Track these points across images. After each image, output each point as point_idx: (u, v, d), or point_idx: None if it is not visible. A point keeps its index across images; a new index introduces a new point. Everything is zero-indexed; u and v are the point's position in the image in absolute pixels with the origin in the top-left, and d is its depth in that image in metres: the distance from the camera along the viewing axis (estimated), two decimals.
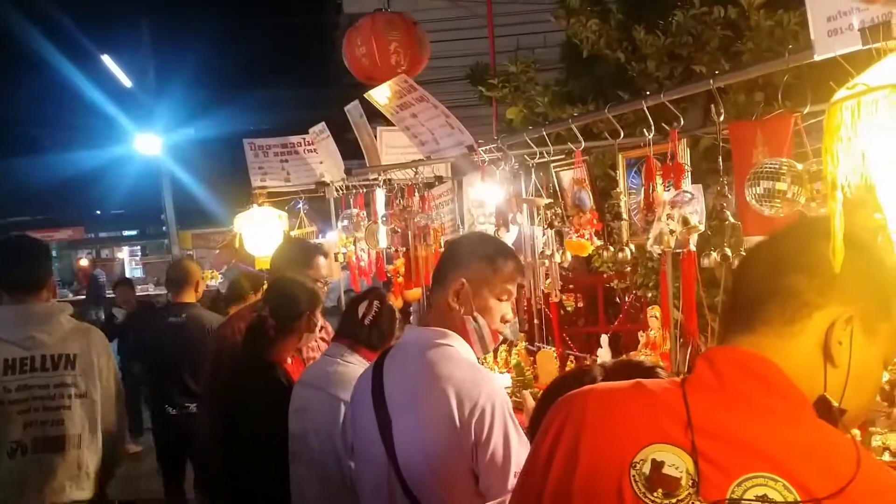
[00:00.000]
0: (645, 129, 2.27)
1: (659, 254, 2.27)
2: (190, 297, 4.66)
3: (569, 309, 5.86)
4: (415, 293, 4.51)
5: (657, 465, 1.00)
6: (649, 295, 4.72)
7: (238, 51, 20.53)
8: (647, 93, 2.54)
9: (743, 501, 0.94)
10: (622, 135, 2.52)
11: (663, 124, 2.37)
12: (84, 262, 21.14)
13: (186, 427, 4.30)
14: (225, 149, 19.43)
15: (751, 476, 0.96)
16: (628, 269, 5.06)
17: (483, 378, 1.91)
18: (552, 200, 2.91)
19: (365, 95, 3.58)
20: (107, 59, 19.01)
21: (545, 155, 2.93)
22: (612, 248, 2.61)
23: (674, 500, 0.98)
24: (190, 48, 19.40)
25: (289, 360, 3.13)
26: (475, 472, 1.86)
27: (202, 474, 4.52)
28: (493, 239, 2.46)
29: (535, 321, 3.95)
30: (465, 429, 1.83)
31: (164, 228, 20.26)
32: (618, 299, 5.72)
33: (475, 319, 1.99)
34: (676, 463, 0.99)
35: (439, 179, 4.33)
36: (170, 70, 19.29)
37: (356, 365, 2.68)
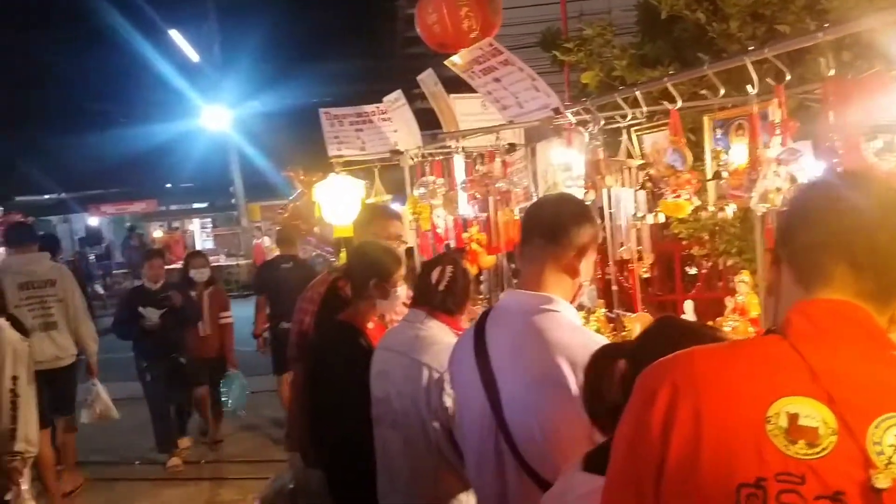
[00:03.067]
0: (749, 87, 2.21)
1: (763, 213, 2.22)
2: (294, 250, 7.00)
3: (644, 276, 5.78)
4: (489, 260, 4.53)
5: (793, 418, 1.01)
6: (729, 263, 4.63)
7: (300, 24, 20.66)
8: (732, 57, 2.46)
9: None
10: (721, 92, 2.46)
11: (748, 87, 2.31)
12: (158, 234, 21.83)
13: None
14: (290, 121, 19.75)
15: (887, 416, 0.98)
16: (706, 236, 4.99)
17: (595, 343, 1.89)
18: (644, 161, 2.87)
19: (446, 62, 3.57)
20: (174, 34, 19.42)
21: (636, 117, 2.89)
22: (711, 208, 2.57)
23: (818, 450, 0.98)
24: (253, 22, 19.64)
25: (370, 325, 3.16)
26: (594, 441, 1.85)
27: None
28: (581, 201, 2.45)
29: (614, 287, 3.89)
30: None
31: (232, 201, 20.74)
32: (694, 267, 5.62)
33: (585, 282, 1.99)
34: (811, 413, 1.00)
35: (512, 146, 4.31)
36: (235, 44, 19.61)
37: (436, 330, 2.71)
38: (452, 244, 4.65)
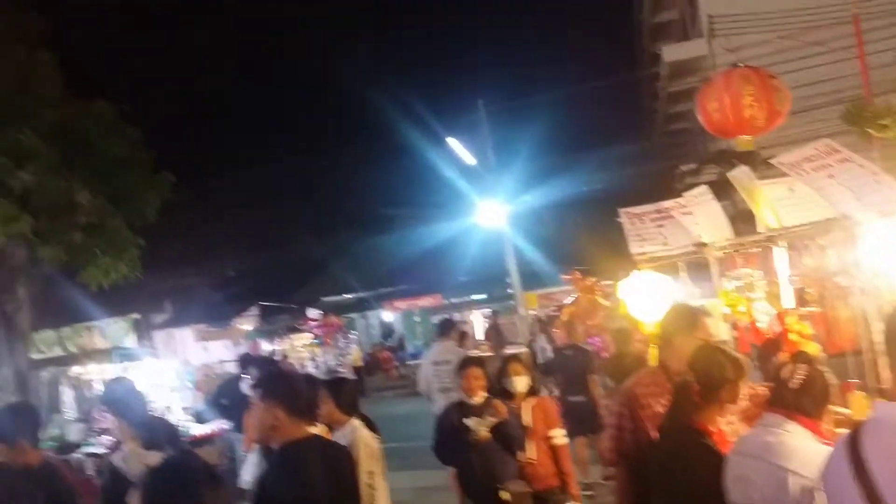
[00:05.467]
0: None
1: None
2: (576, 339, 8.58)
3: None
4: (812, 351, 4.27)
5: None
6: None
7: (564, 124, 21.60)
8: None
9: None
10: None
11: None
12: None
13: (579, 410, 7.97)
14: (562, 212, 20.39)
15: None
16: None
17: None
18: None
19: (773, 161, 3.56)
20: (452, 142, 21.15)
21: None
22: None
23: None
24: (521, 126, 20.90)
25: (713, 429, 3.17)
26: None
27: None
28: None
29: None
30: None
31: (509, 291, 21.59)
32: None
33: None
34: None
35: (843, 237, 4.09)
36: (506, 146, 20.89)
37: (797, 434, 2.64)
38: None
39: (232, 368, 21.39)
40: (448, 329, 9.25)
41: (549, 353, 16.06)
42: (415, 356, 22.24)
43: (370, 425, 4.85)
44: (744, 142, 4.56)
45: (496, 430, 5.02)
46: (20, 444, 3.53)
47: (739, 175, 4.09)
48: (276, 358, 17.78)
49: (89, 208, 10.78)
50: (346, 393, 4.72)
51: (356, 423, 4.67)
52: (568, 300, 12.14)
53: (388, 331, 27.56)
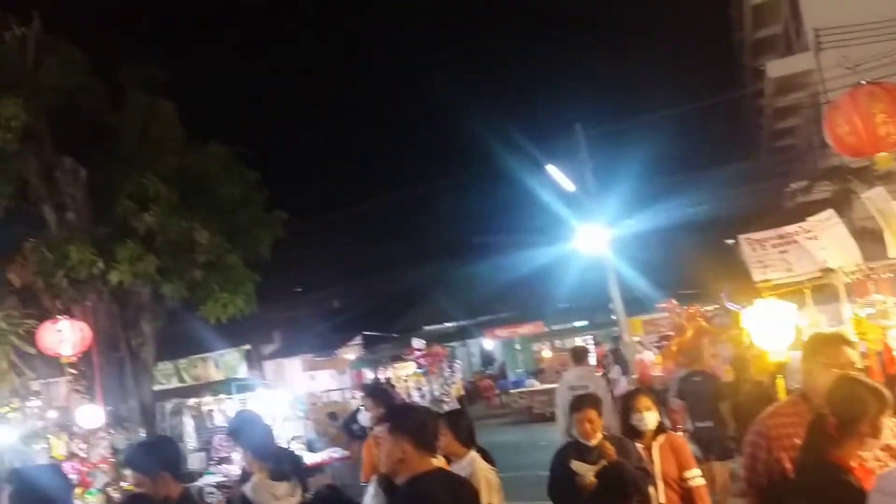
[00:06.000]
0: None
1: None
2: (702, 366, 8.46)
3: None
4: None
5: None
6: None
7: (664, 142, 21.18)
8: None
9: None
10: None
11: None
12: (546, 354, 23.08)
13: (708, 436, 7.89)
14: (666, 235, 19.94)
15: None
16: None
17: None
18: None
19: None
20: (552, 169, 21.10)
21: None
22: None
23: None
24: (620, 151, 20.66)
25: (853, 464, 3.02)
26: None
27: None
28: None
29: None
30: None
31: (612, 317, 21.22)
32: None
33: None
34: None
35: None
36: (606, 168, 20.67)
37: None
38: None
39: (337, 397, 21.90)
40: (583, 355, 9.93)
41: (623, 384, 15.91)
42: (517, 384, 22.10)
43: (486, 457, 4.86)
44: (884, 160, 4.33)
45: (605, 474, 4.53)
46: (162, 476, 3.71)
47: (874, 196, 3.92)
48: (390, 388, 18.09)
49: (208, 246, 11.39)
50: (465, 425, 4.75)
51: (474, 454, 4.69)
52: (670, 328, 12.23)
53: (488, 359, 27.53)
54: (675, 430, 7.27)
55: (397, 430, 3.34)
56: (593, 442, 4.65)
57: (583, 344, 15.21)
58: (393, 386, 18.87)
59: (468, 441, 4.70)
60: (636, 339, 20.35)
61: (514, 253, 23.28)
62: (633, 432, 4.86)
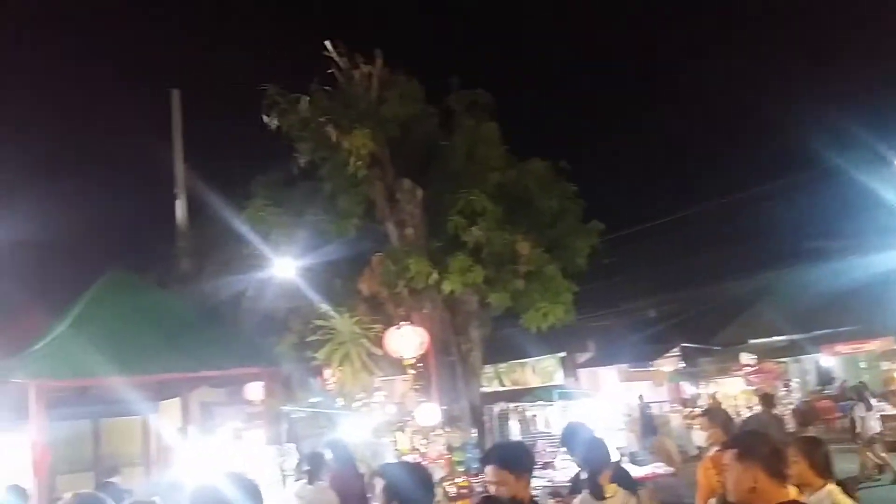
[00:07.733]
0: None
1: None
2: None
3: None
4: None
5: None
6: None
7: None
8: None
9: None
10: None
11: None
12: None
13: None
14: None
15: None
16: None
17: None
18: None
19: None
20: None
21: None
22: None
23: None
24: None
25: None
26: None
27: None
28: None
29: None
30: None
31: None
32: None
33: None
34: None
35: None
36: None
37: None
38: None
39: (656, 410, 21.27)
40: None
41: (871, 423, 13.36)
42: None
43: (847, 490, 4.37)
44: None
45: None
46: (524, 477, 3.82)
47: None
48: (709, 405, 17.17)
49: (529, 257, 11.87)
50: (822, 453, 4.33)
51: (832, 487, 4.26)
52: None
53: (826, 377, 24.74)
54: None
55: (749, 457, 3.15)
56: None
57: None
58: (719, 403, 17.88)
59: (825, 471, 4.29)
60: None
61: (853, 259, 20.71)
62: None
